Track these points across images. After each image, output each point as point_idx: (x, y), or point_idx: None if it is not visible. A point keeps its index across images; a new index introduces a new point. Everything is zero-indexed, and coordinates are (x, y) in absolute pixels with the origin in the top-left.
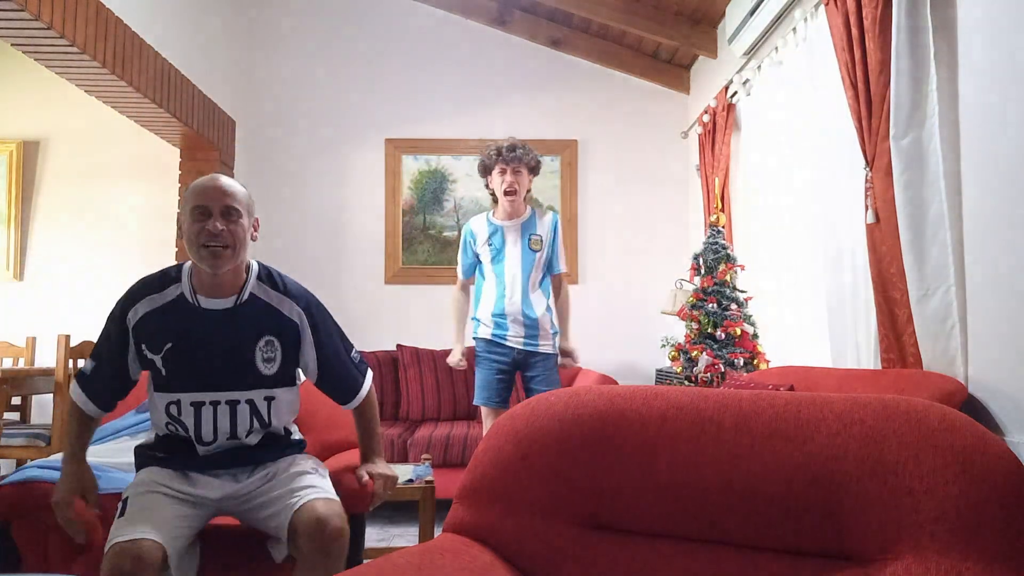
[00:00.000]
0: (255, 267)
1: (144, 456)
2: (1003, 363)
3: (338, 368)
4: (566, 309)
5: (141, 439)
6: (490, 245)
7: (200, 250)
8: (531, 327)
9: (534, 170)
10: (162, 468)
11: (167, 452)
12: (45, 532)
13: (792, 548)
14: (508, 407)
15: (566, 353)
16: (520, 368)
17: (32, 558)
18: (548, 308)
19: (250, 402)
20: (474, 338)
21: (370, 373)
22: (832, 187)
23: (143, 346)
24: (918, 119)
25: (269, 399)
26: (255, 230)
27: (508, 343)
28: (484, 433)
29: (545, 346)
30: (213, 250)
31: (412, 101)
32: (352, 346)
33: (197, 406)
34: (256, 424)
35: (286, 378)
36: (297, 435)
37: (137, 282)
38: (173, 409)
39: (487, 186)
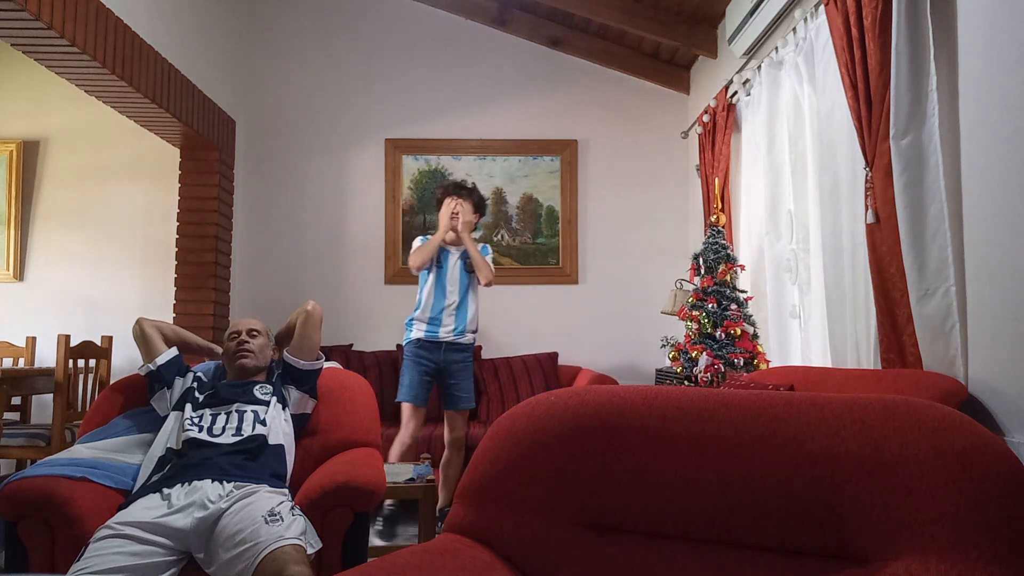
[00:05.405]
0: None
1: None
2: (1003, 363)
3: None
4: None
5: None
6: None
7: None
8: None
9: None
10: (144, 498)
11: (159, 468)
12: (52, 531)
13: (792, 548)
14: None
15: None
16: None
17: (39, 557)
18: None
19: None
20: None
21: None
22: (832, 187)
23: None
24: (918, 119)
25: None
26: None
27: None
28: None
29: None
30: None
31: (412, 101)
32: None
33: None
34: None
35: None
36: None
37: None
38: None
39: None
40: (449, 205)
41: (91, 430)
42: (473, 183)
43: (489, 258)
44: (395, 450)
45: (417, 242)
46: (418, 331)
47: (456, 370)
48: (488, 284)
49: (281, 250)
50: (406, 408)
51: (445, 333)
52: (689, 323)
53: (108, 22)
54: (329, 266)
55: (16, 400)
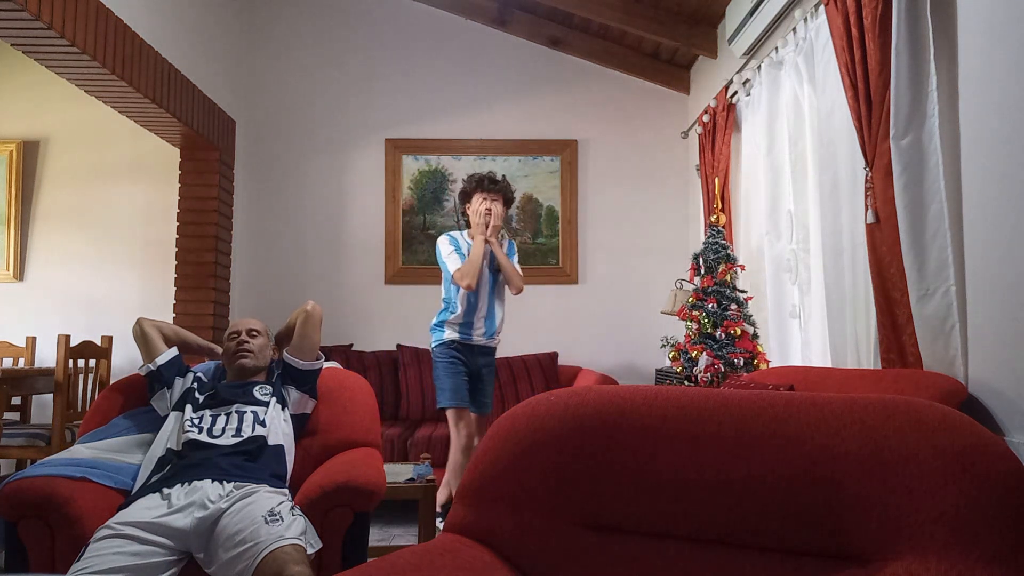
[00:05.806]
0: None
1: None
2: (1003, 363)
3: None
4: None
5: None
6: None
7: None
8: None
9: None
10: (144, 498)
11: (159, 468)
12: (52, 531)
13: (792, 548)
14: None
15: None
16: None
17: (39, 557)
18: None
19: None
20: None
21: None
22: (832, 187)
23: None
24: (918, 119)
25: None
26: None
27: None
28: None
29: None
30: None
31: (412, 101)
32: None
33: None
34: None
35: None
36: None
37: None
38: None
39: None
40: (482, 203)
41: (91, 430)
42: (503, 175)
43: (515, 259)
44: (455, 457)
45: (445, 243)
46: (452, 333)
47: (484, 374)
48: (519, 292)
49: (281, 250)
50: (452, 413)
51: (477, 337)
52: (689, 323)
53: (108, 22)
54: (329, 266)
55: (16, 400)
